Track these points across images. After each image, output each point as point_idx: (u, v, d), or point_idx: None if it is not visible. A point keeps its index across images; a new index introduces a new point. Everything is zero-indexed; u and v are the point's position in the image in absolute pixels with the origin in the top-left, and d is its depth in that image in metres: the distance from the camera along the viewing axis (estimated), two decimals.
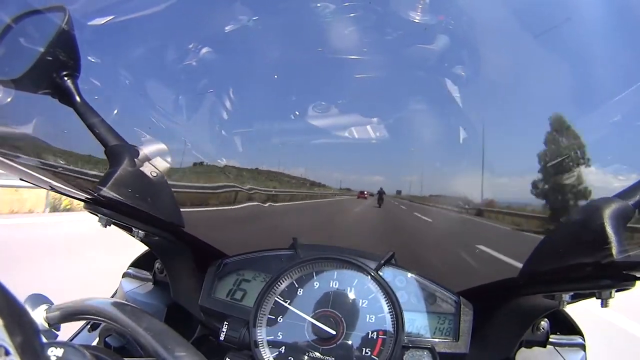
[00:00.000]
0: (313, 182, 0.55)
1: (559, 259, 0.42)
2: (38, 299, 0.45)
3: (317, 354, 0.47)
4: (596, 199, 0.42)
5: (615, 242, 0.35)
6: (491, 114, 0.47)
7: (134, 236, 0.52)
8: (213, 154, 0.55)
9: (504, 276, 0.51)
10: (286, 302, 0.50)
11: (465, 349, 0.49)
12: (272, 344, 0.49)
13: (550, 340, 0.56)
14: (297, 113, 0.51)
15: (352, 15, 0.48)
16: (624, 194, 0.39)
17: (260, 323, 0.49)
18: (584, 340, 0.60)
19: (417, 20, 0.46)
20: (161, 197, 0.50)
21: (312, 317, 0.48)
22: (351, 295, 0.50)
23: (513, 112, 0.49)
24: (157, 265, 0.68)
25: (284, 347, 0.48)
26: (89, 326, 0.67)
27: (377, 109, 0.51)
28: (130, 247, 0.68)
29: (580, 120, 0.47)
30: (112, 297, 0.72)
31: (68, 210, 7.74)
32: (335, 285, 0.50)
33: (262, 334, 0.49)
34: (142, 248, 0.67)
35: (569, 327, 0.61)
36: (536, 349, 0.56)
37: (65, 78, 0.48)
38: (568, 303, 0.44)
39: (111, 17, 0.51)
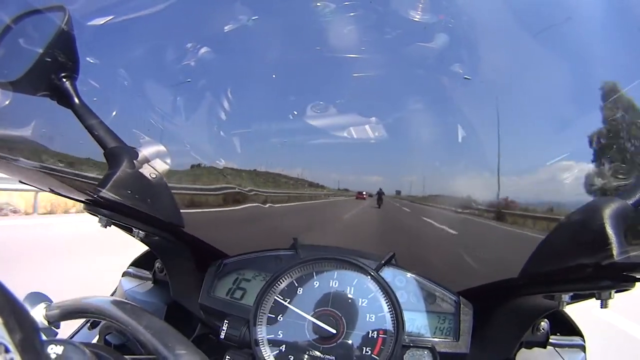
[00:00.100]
0: (311, 182, 0.54)
1: (558, 260, 0.42)
2: (37, 297, 0.45)
3: (318, 353, 0.47)
4: (596, 199, 0.42)
5: (615, 243, 0.35)
6: (490, 113, 0.47)
7: (134, 236, 0.52)
8: (212, 155, 0.55)
9: (504, 276, 0.51)
10: (286, 301, 0.50)
11: (465, 348, 0.49)
12: (273, 343, 0.49)
13: (550, 341, 0.56)
14: (296, 113, 0.50)
15: (352, 14, 0.48)
16: (624, 194, 0.39)
17: (261, 321, 0.50)
18: (584, 341, 0.60)
19: (417, 19, 0.46)
20: (161, 198, 0.50)
21: (312, 316, 0.49)
22: (351, 295, 0.50)
23: (512, 111, 0.48)
24: (157, 264, 0.68)
25: (284, 346, 0.48)
26: (88, 324, 0.67)
27: (376, 109, 0.51)
28: (130, 247, 0.68)
29: (579, 120, 0.47)
30: (112, 295, 0.72)
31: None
32: (335, 284, 0.50)
33: (262, 333, 0.49)
34: (143, 248, 0.67)
35: (569, 328, 0.60)
36: (536, 349, 0.56)
37: (64, 80, 0.48)
38: (568, 304, 0.44)
39: (111, 17, 0.51)
